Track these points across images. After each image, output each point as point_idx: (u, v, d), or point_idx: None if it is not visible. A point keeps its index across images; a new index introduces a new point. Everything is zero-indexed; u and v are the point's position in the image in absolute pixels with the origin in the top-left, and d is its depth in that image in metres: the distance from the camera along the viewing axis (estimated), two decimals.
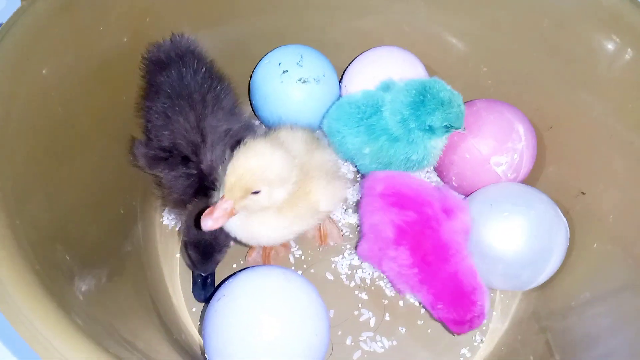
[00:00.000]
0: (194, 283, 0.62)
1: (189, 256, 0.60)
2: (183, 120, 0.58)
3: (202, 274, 0.61)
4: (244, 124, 0.63)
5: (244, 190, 0.49)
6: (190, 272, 0.64)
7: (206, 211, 0.49)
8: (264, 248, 0.66)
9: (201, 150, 0.58)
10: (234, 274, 0.57)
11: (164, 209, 0.70)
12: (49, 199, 0.47)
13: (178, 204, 0.60)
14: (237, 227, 0.55)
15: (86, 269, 0.49)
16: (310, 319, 0.52)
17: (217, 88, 0.62)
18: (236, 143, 0.55)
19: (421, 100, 0.60)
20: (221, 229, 0.56)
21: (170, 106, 0.59)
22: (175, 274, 0.67)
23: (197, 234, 0.58)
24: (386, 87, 0.66)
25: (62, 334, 0.35)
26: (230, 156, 0.51)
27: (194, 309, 0.64)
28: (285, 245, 0.68)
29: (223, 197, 0.49)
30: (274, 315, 0.51)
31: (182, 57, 0.63)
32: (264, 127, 0.76)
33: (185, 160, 0.59)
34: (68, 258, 0.47)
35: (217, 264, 0.61)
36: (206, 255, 0.59)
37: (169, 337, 0.58)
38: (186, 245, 0.60)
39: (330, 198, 0.59)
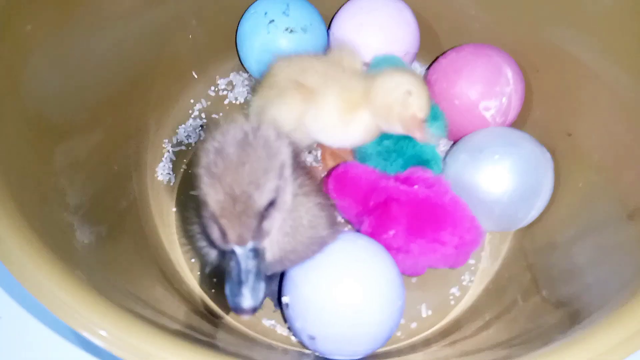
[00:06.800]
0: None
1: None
2: None
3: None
4: None
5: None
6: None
7: (417, 135, 0.59)
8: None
9: None
10: None
11: (158, 165, 0.70)
12: (45, 162, 0.48)
13: None
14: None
15: (86, 225, 0.50)
16: (390, 285, 0.53)
17: None
18: None
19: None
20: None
21: None
22: (171, 228, 0.68)
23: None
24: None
25: (68, 287, 0.37)
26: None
27: (192, 260, 0.66)
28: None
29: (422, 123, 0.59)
30: (356, 282, 0.51)
31: None
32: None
33: None
34: (66, 215, 0.48)
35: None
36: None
37: (170, 287, 0.60)
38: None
39: None
